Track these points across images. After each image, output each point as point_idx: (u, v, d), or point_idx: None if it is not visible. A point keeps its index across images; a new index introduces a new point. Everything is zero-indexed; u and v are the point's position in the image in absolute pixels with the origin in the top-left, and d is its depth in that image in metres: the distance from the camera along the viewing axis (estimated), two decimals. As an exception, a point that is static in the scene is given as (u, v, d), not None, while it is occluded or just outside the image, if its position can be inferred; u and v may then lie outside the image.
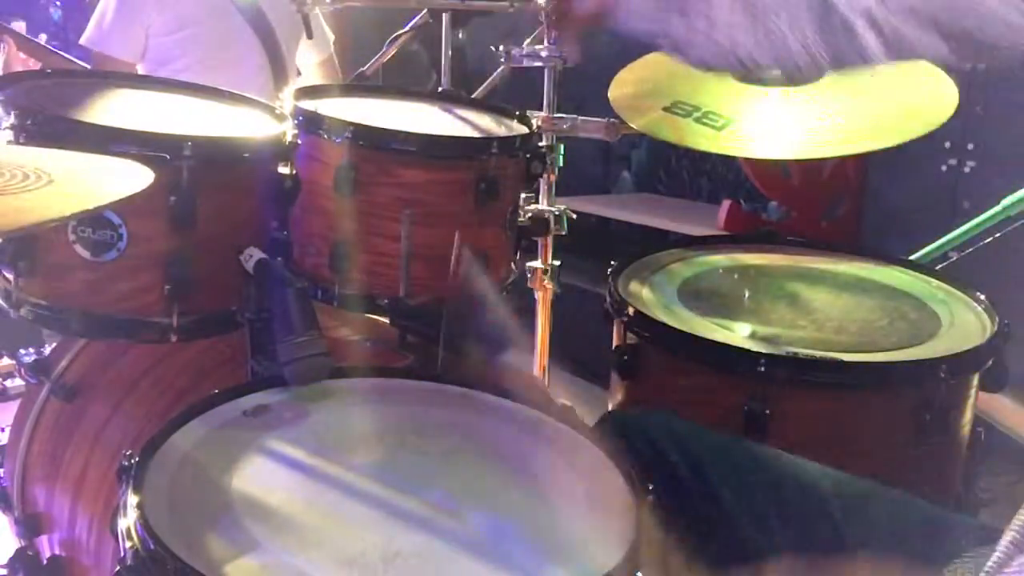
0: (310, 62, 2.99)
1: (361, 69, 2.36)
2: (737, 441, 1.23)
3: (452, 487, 1.00)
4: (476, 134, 1.65)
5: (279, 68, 2.75)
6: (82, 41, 2.67)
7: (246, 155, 1.41)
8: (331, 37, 3.00)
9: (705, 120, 1.61)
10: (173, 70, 2.58)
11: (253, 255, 1.33)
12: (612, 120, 1.83)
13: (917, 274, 1.67)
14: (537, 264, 1.99)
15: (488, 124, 1.70)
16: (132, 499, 0.89)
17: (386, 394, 1.20)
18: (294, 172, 1.45)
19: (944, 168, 3.20)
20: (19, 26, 2.54)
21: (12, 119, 1.27)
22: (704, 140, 1.60)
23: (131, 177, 1.04)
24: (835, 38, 0.96)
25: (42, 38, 2.57)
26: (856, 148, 1.62)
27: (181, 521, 0.89)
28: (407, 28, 2.23)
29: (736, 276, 1.64)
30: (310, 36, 2.70)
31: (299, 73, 3.02)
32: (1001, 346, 1.39)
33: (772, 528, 1.07)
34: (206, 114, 1.56)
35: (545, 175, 1.82)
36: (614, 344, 1.51)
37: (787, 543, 1.04)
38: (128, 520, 0.87)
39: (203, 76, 2.21)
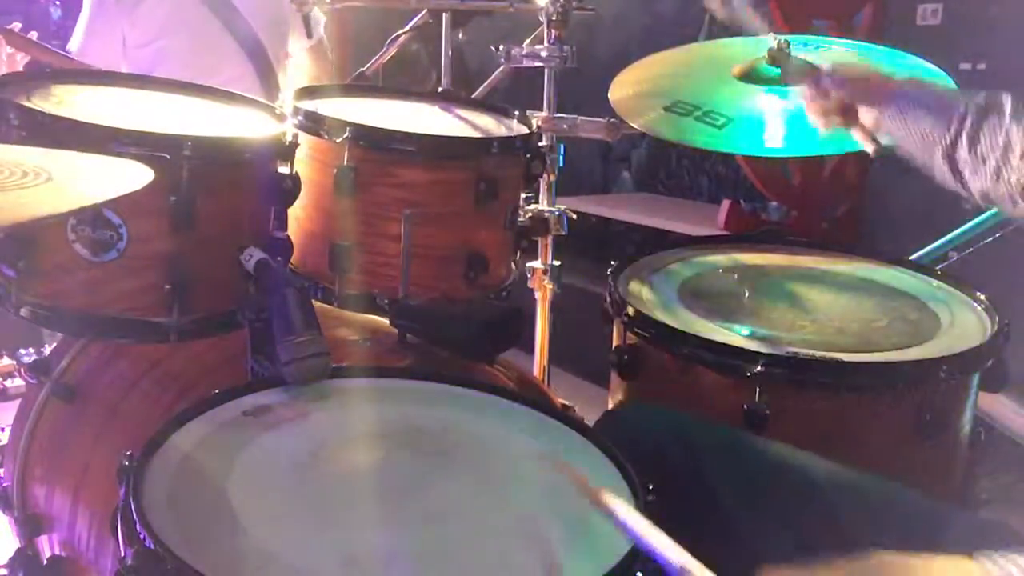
0: (300, 46, 2.95)
1: (361, 69, 2.36)
2: (737, 433, 1.23)
3: (451, 487, 1.00)
4: (476, 134, 1.65)
5: (265, 72, 2.70)
6: (68, 47, 2.66)
7: (246, 155, 1.41)
8: (322, 19, 2.94)
9: (705, 119, 1.60)
10: None
11: (253, 255, 1.33)
12: (612, 120, 1.82)
13: (917, 274, 1.67)
14: (537, 264, 1.99)
15: (488, 124, 1.70)
16: (132, 499, 0.89)
17: (386, 394, 1.20)
18: (294, 172, 1.45)
19: (944, 168, 3.19)
20: (15, 26, 2.52)
21: (11, 118, 1.27)
22: (704, 139, 1.59)
23: (129, 176, 1.04)
24: None
25: (32, 35, 2.55)
26: (857, 146, 1.62)
27: (181, 521, 0.89)
28: (407, 28, 2.23)
29: (736, 276, 1.64)
30: (310, 36, 2.69)
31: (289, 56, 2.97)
32: (1001, 346, 1.38)
33: (773, 523, 1.07)
34: (206, 114, 1.56)
35: (545, 175, 1.82)
36: (614, 344, 1.51)
37: (788, 537, 1.04)
38: (128, 520, 0.87)
39: None
